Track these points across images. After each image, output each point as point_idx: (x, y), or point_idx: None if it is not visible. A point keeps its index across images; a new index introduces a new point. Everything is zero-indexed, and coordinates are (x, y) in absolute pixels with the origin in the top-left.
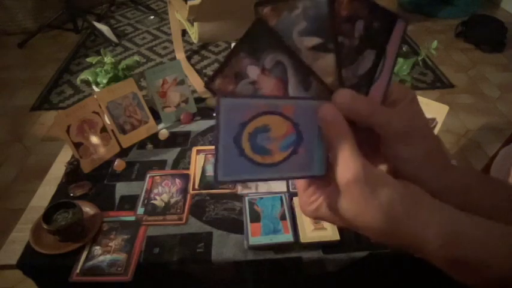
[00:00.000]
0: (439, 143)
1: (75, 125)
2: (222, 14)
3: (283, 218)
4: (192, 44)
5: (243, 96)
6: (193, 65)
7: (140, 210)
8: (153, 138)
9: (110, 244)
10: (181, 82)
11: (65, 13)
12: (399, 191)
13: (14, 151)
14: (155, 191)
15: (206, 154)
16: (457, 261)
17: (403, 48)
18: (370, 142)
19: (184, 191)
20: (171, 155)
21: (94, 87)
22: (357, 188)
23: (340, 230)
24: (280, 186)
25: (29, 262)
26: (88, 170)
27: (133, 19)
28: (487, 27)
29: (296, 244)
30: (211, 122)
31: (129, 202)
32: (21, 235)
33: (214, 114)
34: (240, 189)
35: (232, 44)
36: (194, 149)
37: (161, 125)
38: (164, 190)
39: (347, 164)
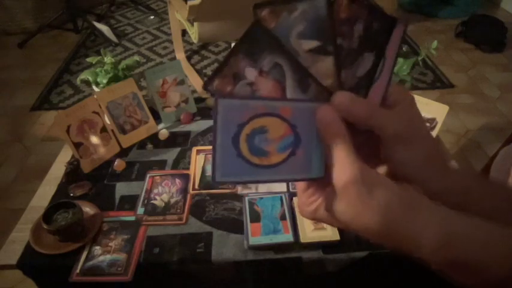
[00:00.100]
0: (438, 145)
1: (75, 125)
2: (222, 14)
3: (283, 218)
4: (192, 44)
5: (241, 97)
6: (193, 65)
7: (140, 210)
8: (153, 138)
9: (110, 244)
10: (181, 82)
11: (65, 13)
12: (396, 194)
13: (14, 151)
14: (155, 191)
15: (206, 154)
16: (455, 263)
17: (403, 48)
18: (369, 144)
19: (184, 191)
20: (171, 155)
21: (94, 87)
22: (353, 191)
23: (340, 230)
24: (280, 186)
25: (29, 262)
26: (88, 170)
27: (133, 19)
28: (487, 27)
29: (296, 244)
30: (211, 122)
31: (129, 202)
32: (21, 235)
33: (212, 115)
34: (240, 189)
35: (232, 44)
36: (194, 149)
37: (161, 125)
38: (164, 190)
39: (344, 166)
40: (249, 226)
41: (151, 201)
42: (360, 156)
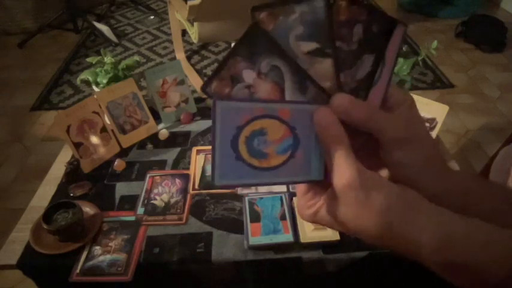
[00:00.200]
0: (437, 146)
1: (75, 125)
2: (222, 14)
3: (283, 218)
4: (192, 44)
5: (240, 99)
6: (193, 65)
7: (140, 210)
8: (153, 138)
9: (110, 244)
10: (181, 82)
11: (65, 13)
12: (396, 195)
13: (14, 151)
14: (155, 191)
15: (206, 154)
16: (455, 263)
17: (403, 48)
18: (369, 146)
19: (184, 191)
20: (171, 155)
21: (94, 87)
22: (352, 193)
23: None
24: (280, 186)
25: (29, 262)
26: (88, 170)
27: (133, 19)
28: (487, 27)
29: (296, 244)
30: (211, 122)
31: (129, 202)
32: (21, 235)
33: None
34: (240, 189)
35: (232, 44)
36: (194, 149)
37: (161, 125)
38: (164, 190)
39: (342, 169)
40: (249, 226)
41: (151, 201)
42: (359, 158)
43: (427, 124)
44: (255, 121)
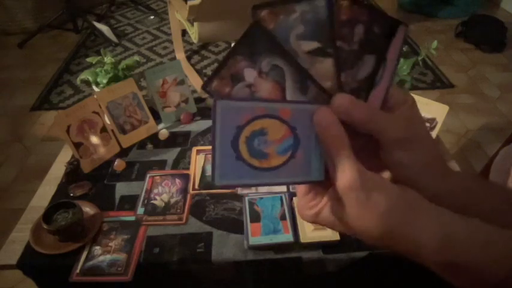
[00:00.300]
0: (437, 147)
1: (75, 125)
2: (222, 14)
3: (283, 218)
4: (192, 44)
5: (240, 98)
6: (193, 65)
7: (140, 210)
8: (153, 138)
9: (110, 244)
10: (181, 82)
11: (65, 13)
12: (396, 196)
13: (14, 151)
14: (155, 191)
15: (206, 154)
16: (455, 264)
17: (403, 48)
18: (370, 148)
19: (184, 191)
20: (171, 155)
21: (94, 87)
22: (353, 194)
23: None
24: (280, 186)
25: (29, 262)
26: (88, 170)
27: (133, 19)
28: (487, 27)
29: (296, 244)
30: (211, 122)
31: (129, 202)
32: (21, 235)
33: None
34: (240, 189)
35: (232, 44)
36: (194, 149)
37: (161, 125)
38: (164, 190)
39: (343, 170)
40: (249, 226)
41: (151, 201)
42: (359, 159)
43: (427, 124)
44: (256, 121)
